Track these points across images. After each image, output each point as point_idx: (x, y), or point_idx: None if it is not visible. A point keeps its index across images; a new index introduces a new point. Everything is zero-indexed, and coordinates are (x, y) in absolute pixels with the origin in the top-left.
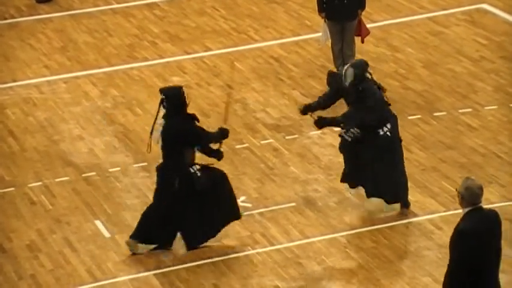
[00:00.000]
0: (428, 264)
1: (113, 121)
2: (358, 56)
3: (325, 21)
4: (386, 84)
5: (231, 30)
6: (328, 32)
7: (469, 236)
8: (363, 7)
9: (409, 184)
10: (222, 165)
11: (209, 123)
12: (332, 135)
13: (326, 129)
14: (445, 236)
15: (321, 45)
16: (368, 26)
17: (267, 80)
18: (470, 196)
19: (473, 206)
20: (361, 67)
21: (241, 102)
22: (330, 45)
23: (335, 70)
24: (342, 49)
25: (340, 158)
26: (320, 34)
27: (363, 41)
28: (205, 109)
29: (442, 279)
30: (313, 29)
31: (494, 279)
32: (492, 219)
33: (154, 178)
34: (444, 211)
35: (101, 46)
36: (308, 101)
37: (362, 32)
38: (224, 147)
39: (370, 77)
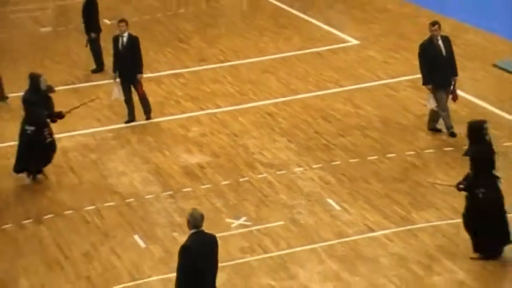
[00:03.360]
0: (383, 267)
1: (148, 161)
2: (330, 112)
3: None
4: (352, 134)
5: (236, 93)
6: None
7: (188, 251)
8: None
9: (369, 208)
10: (228, 193)
11: (219, 162)
12: (312, 171)
13: (307, 167)
14: (396, 247)
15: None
16: (336, 90)
17: (262, 130)
18: (193, 221)
19: (195, 229)
20: (473, 128)
21: (243, 146)
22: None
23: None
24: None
25: (318, 188)
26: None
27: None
28: (216, 151)
29: (394, 279)
30: (297, 92)
31: (210, 283)
32: (209, 240)
33: (179, 203)
34: (395, 227)
35: (138, 105)
36: (292, 146)
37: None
38: (231, 180)
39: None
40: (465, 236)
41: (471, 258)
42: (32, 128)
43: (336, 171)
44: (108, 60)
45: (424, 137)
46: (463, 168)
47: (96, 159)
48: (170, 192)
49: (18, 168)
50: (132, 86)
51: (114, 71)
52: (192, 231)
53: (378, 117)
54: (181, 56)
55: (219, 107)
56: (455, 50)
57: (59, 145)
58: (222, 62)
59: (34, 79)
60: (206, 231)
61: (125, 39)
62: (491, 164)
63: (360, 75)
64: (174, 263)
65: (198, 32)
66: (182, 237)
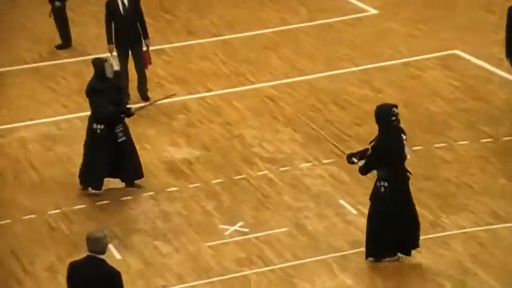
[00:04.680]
0: (408, 283)
1: None
2: (343, 97)
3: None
4: (369, 123)
5: (230, 73)
6: None
7: (67, 271)
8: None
9: None
10: (222, 193)
11: (210, 157)
12: (321, 167)
13: (315, 162)
14: (423, 258)
15: None
16: (351, 70)
17: (262, 117)
18: (87, 243)
19: (89, 253)
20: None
21: (239, 137)
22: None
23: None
24: None
25: (329, 187)
26: None
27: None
28: (207, 143)
29: None
30: (304, 72)
31: None
32: (97, 275)
33: (162, 206)
34: (421, 235)
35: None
36: (297, 137)
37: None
38: (224, 178)
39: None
40: (505, 243)
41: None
42: (101, 127)
43: (351, 167)
44: (75, 33)
45: (456, 126)
46: (503, 164)
47: (62, 153)
48: (151, 193)
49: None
50: (132, 56)
51: (111, 41)
52: (86, 254)
53: (401, 102)
54: (164, 29)
55: (209, 90)
56: None
57: (16, 135)
58: (214, 35)
59: (97, 66)
60: (111, 264)
61: (125, 0)
62: (398, 157)
63: (378, 52)
64: (156, 277)
65: (185, 0)
66: (166, 247)
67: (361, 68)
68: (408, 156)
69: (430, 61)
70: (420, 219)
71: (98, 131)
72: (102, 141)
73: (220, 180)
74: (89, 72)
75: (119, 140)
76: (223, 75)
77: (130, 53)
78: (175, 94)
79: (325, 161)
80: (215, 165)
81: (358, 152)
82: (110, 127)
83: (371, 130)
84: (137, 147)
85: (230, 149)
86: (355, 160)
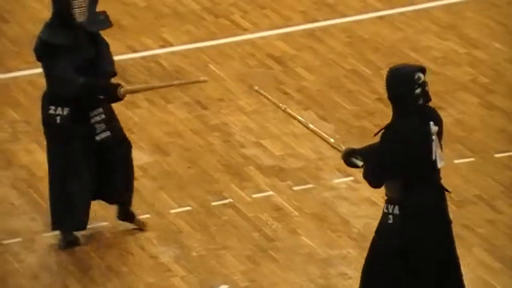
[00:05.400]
0: None
1: (10, 161)
2: (409, 53)
3: None
4: (461, 99)
5: (204, 13)
6: None
7: None
8: None
9: (498, 264)
10: (188, 234)
11: (167, 165)
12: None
13: (360, 172)
14: None
15: None
16: (426, 5)
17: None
18: None
19: None
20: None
21: (220, 130)
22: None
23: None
24: None
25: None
26: None
27: None
28: (162, 141)
29: None
30: (338, 11)
31: None
32: None
33: (76, 258)
34: None
35: None
36: (327, 128)
37: None
38: (193, 204)
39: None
40: None
41: None
42: (64, 113)
43: None
44: None
45: None
46: None
47: None
48: (54, 233)
49: (55, 223)
50: None
51: None
52: None
53: None
54: None
55: (166, 43)
56: None
57: None
58: None
59: (58, 1)
60: None
61: None
62: (420, 159)
63: None
64: None
65: None
66: None
67: (441, 2)
68: (440, 164)
69: None
70: None
71: (58, 119)
72: (68, 136)
73: (186, 208)
74: None
75: (98, 138)
76: (190, 17)
77: None
78: (206, 80)
79: None
80: (176, 181)
81: (362, 150)
82: (80, 112)
83: (464, 118)
84: (35, 148)
85: (204, 151)
86: (358, 163)
